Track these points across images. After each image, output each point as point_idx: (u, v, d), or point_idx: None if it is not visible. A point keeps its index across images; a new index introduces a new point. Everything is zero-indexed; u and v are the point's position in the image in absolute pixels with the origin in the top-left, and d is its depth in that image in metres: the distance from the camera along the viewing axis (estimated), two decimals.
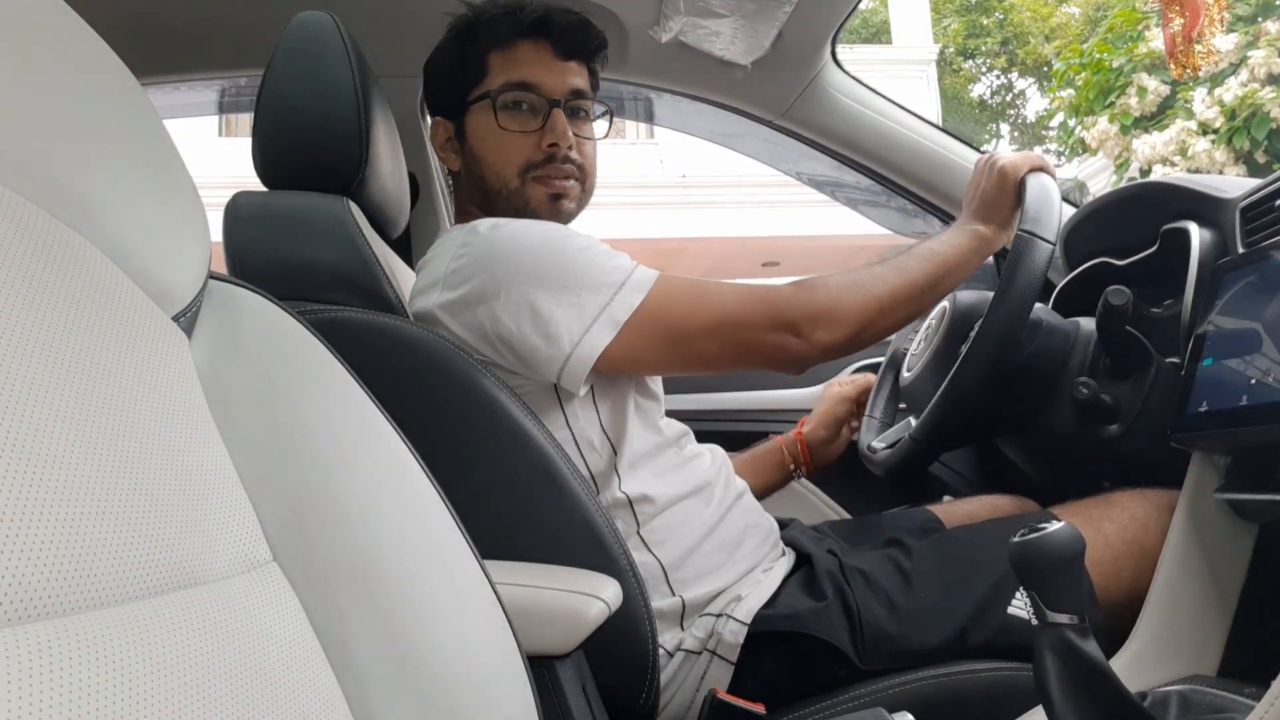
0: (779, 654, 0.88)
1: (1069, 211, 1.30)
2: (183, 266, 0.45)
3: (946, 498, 1.33)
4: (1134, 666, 0.80)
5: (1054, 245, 0.95)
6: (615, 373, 0.93)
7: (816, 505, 1.58)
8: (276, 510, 0.44)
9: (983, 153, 1.50)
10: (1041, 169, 1.03)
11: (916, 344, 1.31)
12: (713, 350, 0.90)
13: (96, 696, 0.28)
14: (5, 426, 0.30)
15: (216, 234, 0.50)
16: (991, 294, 0.99)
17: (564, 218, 1.01)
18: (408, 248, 1.44)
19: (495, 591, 0.54)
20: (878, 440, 1.37)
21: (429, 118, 1.10)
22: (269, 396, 0.47)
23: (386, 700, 0.44)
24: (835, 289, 0.92)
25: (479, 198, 1.03)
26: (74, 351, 0.35)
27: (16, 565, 0.28)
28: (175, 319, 0.44)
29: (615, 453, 0.94)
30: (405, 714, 0.44)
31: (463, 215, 1.07)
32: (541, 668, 0.69)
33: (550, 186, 0.99)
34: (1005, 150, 1.12)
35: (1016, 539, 0.54)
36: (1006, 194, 1.02)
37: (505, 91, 0.98)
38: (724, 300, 0.90)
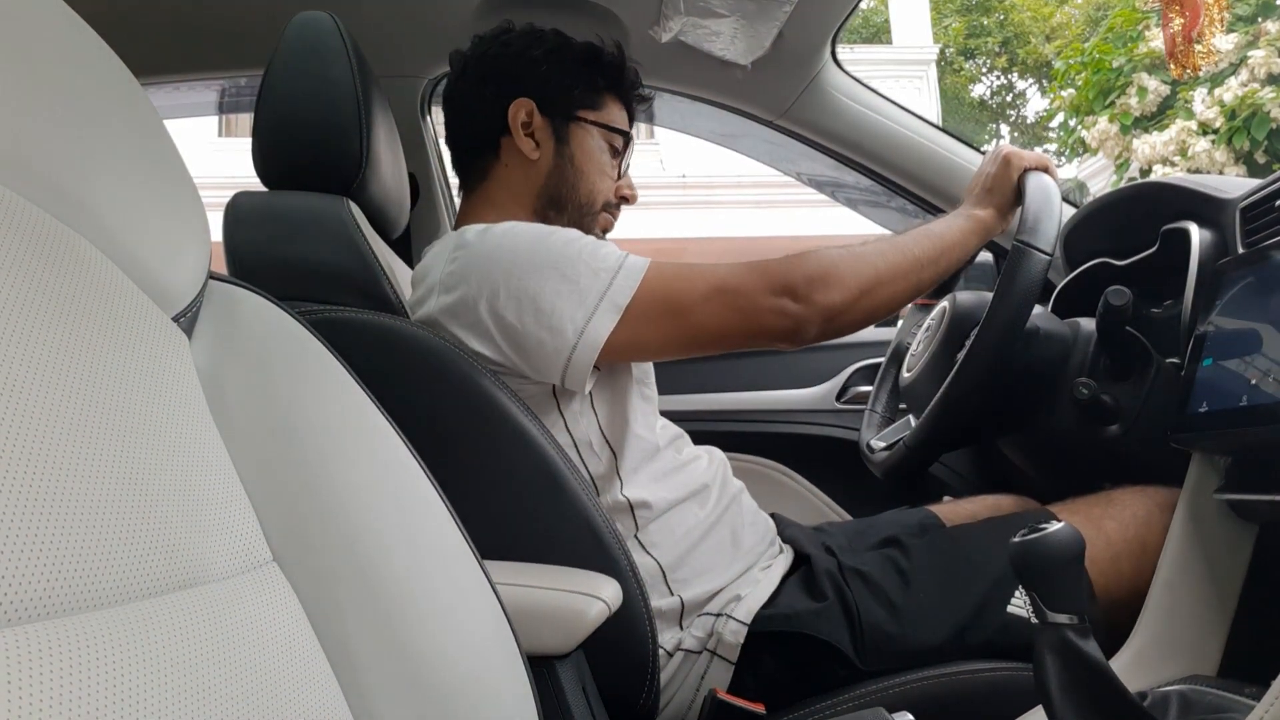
0: (779, 654, 0.88)
1: (1069, 212, 1.30)
2: (183, 267, 0.45)
3: (946, 498, 1.33)
4: (1134, 666, 0.80)
5: (1050, 256, 0.95)
6: (619, 361, 0.93)
7: (816, 505, 1.58)
8: (276, 510, 0.44)
9: (983, 153, 1.50)
10: (1045, 169, 1.05)
11: (916, 343, 1.31)
12: (712, 321, 0.89)
13: (96, 696, 0.28)
14: (5, 427, 0.30)
15: (216, 234, 0.50)
16: (991, 295, 0.99)
17: None
18: (407, 248, 1.44)
19: (495, 591, 0.54)
20: (877, 439, 1.37)
21: (492, 91, 1.06)
22: (269, 397, 0.47)
23: (386, 700, 0.44)
24: (830, 255, 0.92)
25: (548, 195, 1.05)
26: (74, 352, 0.35)
27: (16, 565, 0.28)
28: (175, 319, 0.44)
29: (615, 456, 0.94)
30: (405, 714, 0.44)
31: (504, 205, 1.06)
32: (541, 668, 0.69)
33: (608, 224, 1.11)
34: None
35: (1016, 539, 0.54)
36: (1008, 182, 1.05)
37: (628, 142, 1.10)
38: (717, 271, 0.90)
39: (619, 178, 1.10)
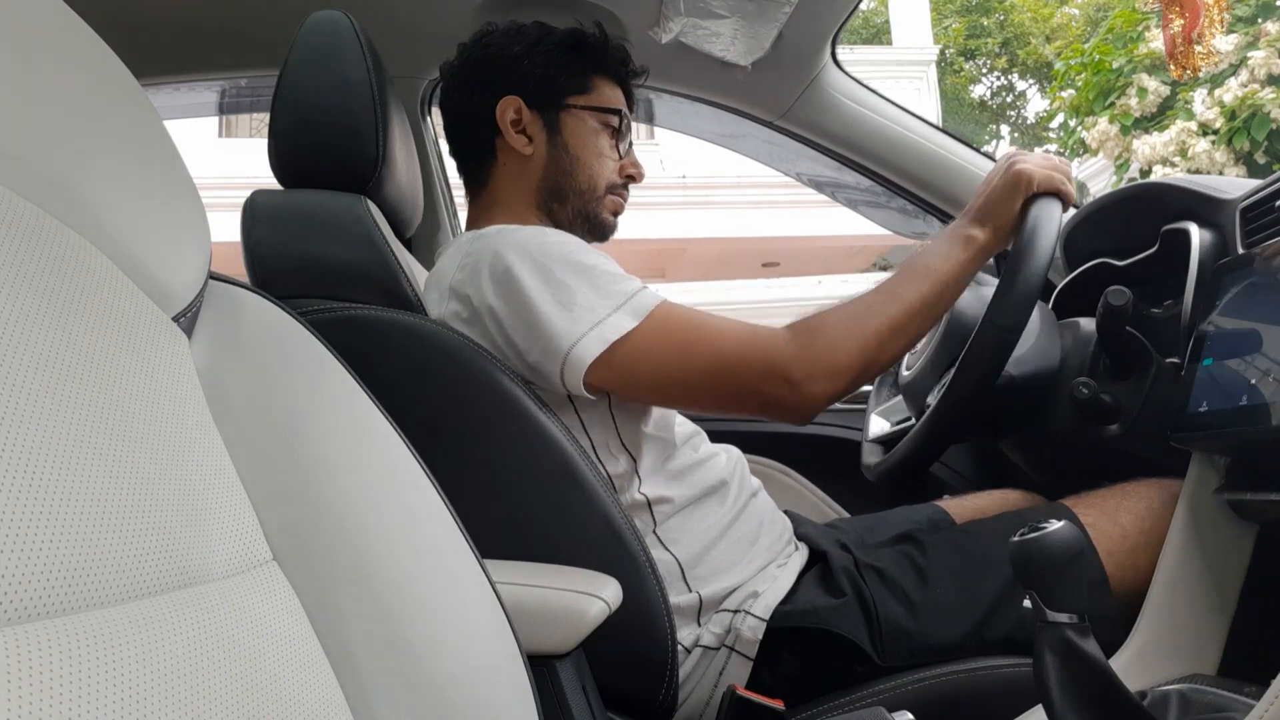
0: (798, 650, 0.88)
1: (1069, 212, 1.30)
2: (183, 267, 0.45)
3: (946, 497, 1.33)
4: (1134, 666, 0.80)
5: (1018, 336, 0.92)
6: (610, 389, 0.92)
7: (815, 504, 1.58)
8: (276, 510, 0.44)
9: (983, 153, 1.50)
10: (1058, 193, 0.96)
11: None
12: (704, 394, 0.89)
13: (96, 696, 0.28)
14: (5, 427, 0.30)
15: (216, 234, 0.50)
16: (989, 294, 0.99)
17: (611, 232, 1.10)
18: (408, 248, 1.44)
19: (495, 591, 0.54)
20: (874, 438, 1.38)
21: (482, 95, 1.06)
22: (269, 396, 0.47)
23: (386, 700, 0.44)
24: (834, 332, 0.90)
25: (547, 188, 1.06)
26: (74, 352, 0.35)
27: (16, 565, 0.28)
28: (175, 319, 0.44)
29: (634, 459, 0.94)
30: (405, 714, 0.44)
31: (509, 205, 1.06)
32: (541, 667, 0.69)
33: (617, 206, 1.10)
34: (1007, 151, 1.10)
35: (1016, 538, 0.55)
36: (1012, 205, 0.96)
37: (624, 120, 1.09)
38: (721, 344, 0.88)
39: (622, 157, 1.09)
